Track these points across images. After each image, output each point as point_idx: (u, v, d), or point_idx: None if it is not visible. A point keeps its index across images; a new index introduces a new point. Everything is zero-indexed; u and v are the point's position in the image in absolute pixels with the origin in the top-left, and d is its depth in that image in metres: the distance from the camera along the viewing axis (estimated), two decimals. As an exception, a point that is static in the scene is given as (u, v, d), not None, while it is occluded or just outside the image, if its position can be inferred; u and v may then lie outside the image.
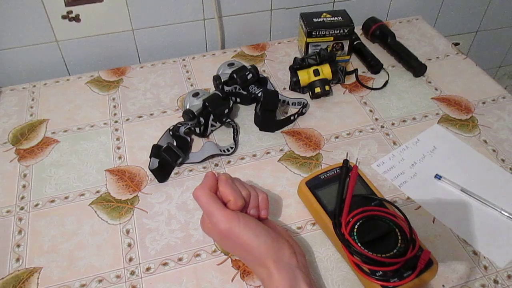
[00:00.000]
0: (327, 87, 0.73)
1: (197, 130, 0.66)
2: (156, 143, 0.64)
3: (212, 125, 0.67)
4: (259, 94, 0.70)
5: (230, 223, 0.44)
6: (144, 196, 0.59)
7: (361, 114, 0.72)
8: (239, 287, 0.50)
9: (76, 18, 0.79)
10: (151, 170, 0.61)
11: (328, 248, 0.53)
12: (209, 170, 0.63)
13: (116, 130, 0.69)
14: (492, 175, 0.62)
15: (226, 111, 0.67)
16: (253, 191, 0.50)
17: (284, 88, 0.77)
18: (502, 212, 0.56)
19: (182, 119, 0.68)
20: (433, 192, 0.59)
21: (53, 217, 0.57)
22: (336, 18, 0.77)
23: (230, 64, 0.73)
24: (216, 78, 0.71)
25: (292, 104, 0.72)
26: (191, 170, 0.62)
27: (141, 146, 0.66)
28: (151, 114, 0.72)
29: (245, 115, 0.71)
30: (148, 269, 0.51)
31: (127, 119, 0.71)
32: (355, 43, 0.82)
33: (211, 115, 0.66)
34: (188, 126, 0.65)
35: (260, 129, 0.68)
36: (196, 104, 0.67)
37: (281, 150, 0.65)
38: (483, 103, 0.74)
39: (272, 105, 0.67)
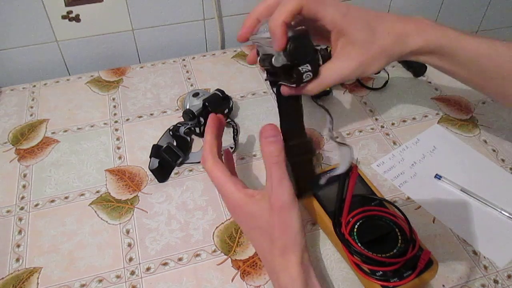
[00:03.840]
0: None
1: (197, 130, 0.66)
2: (156, 143, 0.64)
3: None
4: None
5: (293, 198, 0.42)
6: (144, 196, 0.59)
7: (361, 114, 0.72)
8: (239, 287, 0.50)
9: (76, 18, 0.79)
10: (151, 170, 0.61)
11: (328, 248, 0.53)
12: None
13: (116, 130, 0.69)
14: (492, 175, 0.62)
15: (226, 111, 0.67)
16: None
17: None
18: (502, 212, 0.56)
19: (182, 119, 0.68)
20: (433, 192, 0.59)
21: (53, 217, 0.57)
22: (336, 18, 0.77)
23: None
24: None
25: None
26: (191, 170, 0.62)
27: (141, 146, 0.66)
28: (151, 114, 0.72)
29: (245, 115, 0.71)
30: (148, 269, 0.51)
31: (127, 119, 0.71)
32: (355, 43, 0.82)
33: None
34: (188, 126, 0.65)
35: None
36: (196, 104, 0.67)
37: (281, 150, 0.65)
38: (483, 103, 0.74)
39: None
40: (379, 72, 0.79)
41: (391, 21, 0.49)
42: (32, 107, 0.73)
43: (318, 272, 0.51)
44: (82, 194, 0.60)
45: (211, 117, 0.50)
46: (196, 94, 0.68)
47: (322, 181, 0.53)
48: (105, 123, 0.70)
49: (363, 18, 0.48)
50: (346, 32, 0.46)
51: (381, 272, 0.46)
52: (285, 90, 0.45)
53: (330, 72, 0.47)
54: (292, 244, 0.42)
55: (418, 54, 0.51)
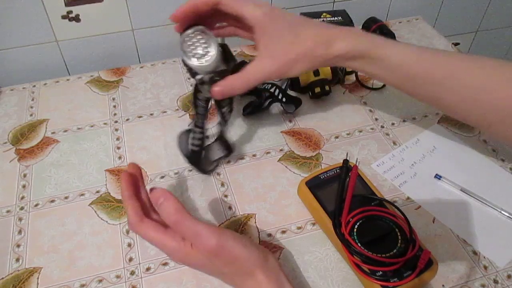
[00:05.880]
0: (327, 87, 0.73)
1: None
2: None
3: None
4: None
5: (220, 237, 0.42)
6: (144, 196, 0.59)
7: (361, 114, 0.72)
8: (239, 287, 0.50)
9: (76, 18, 0.79)
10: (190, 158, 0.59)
11: (328, 248, 0.53)
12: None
13: (116, 130, 0.69)
14: (492, 175, 0.62)
15: (229, 110, 0.59)
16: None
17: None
18: (502, 212, 0.56)
19: (181, 120, 0.68)
20: (433, 192, 0.59)
21: (53, 217, 0.57)
22: (336, 18, 0.77)
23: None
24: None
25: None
26: (190, 170, 0.62)
27: (141, 146, 0.66)
28: (151, 114, 0.72)
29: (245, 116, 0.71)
30: (148, 269, 0.51)
31: (127, 119, 0.71)
32: (355, 43, 0.82)
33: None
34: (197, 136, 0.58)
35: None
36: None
37: (281, 150, 0.65)
38: (483, 103, 0.74)
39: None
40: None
41: (316, 26, 0.50)
42: (32, 107, 0.73)
43: (318, 272, 0.51)
44: (82, 194, 0.60)
45: (122, 176, 0.46)
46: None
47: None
48: (105, 123, 0.70)
49: (287, 19, 0.49)
50: (269, 30, 0.47)
51: (381, 272, 0.46)
52: (215, 93, 0.49)
53: (255, 70, 0.49)
54: (250, 266, 0.42)
55: (345, 59, 0.50)
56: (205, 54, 0.49)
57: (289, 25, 0.48)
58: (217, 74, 0.49)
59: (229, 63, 0.51)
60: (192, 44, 0.50)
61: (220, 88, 0.49)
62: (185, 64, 0.50)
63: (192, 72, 0.50)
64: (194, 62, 0.49)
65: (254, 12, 0.48)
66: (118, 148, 0.66)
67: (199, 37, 0.50)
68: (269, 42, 0.48)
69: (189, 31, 0.50)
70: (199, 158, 0.59)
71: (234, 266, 0.43)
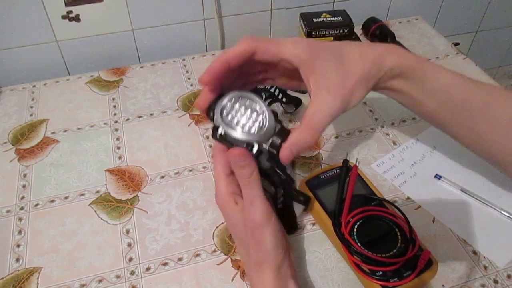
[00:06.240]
0: (327, 87, 0.73)
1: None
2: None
3: None
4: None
5: (264, 220, 0.42)
6: (144, 196, 0.59)
7: (361, 114, 0.72)
8: (239, 287, 0.50)
9: (76, 18, 0.79)
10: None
11: (328, 248, 0.53)
12: (209, 169, 0.63)
13: (116, 130, 0.69)
14: (492, 175, 0.62)
15: None
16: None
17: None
18: (502, 212, 0.56)
19: (182, 119, 0.68)
20: (433, 192, 0.59)
21: (53, 217, 0.57)
22: (336, 18, 0.77)
23: None
24: None
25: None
26: (191, 170, 0.62)
27: (141, 146, 0.66)
28: (151, 114, 0.72)
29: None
30: (148, 269, 0.51)
31: (127, 119, 0.71)
32: (355, 43, 0.82)
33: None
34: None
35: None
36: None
37: (281, 150, 0.65)
38: (483, 103, 0.74)
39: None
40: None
41: (359, 46, 0.46)
42: (32, 107, 0.73)
43: (318, 272, 0.51)
44: (82, 194, 0.60)
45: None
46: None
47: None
48: (105, 123, 0.70)
49: (327, 48, 0.44)
50: (315, 65, 0.43)
51: (381, 272, 0.46)
52: (286, 156, 0.41)
53: (321, 114, 0.42)
54: (265, 261, 0.43)
55: (389, 77, 0.47)
56: (255, 121, 0.41)
57: (333, 53, 0.44)
58: (278, 136, 0.41)
59: (280, 121, 0.43)
60: (234, 115, 0.41)
61: (289, 150, 0.41)
62: (227, 141, 0.41)
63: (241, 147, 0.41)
64: (245, 134, 0.40)
65: (295, 52, 0.43)
66: (118, 148, 0.66)
67: (240, 102, 0.42)
68: (321, 78, 0.43)
69: (225, 101, 0.41)
70: (290, 215, 0.52)
71: (253, 251, 0.43)
